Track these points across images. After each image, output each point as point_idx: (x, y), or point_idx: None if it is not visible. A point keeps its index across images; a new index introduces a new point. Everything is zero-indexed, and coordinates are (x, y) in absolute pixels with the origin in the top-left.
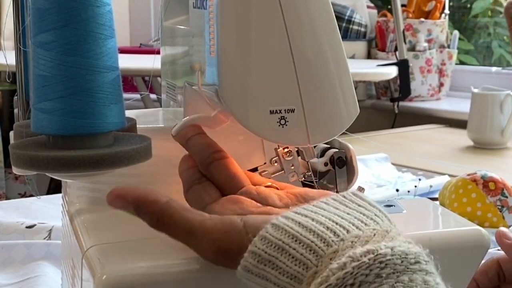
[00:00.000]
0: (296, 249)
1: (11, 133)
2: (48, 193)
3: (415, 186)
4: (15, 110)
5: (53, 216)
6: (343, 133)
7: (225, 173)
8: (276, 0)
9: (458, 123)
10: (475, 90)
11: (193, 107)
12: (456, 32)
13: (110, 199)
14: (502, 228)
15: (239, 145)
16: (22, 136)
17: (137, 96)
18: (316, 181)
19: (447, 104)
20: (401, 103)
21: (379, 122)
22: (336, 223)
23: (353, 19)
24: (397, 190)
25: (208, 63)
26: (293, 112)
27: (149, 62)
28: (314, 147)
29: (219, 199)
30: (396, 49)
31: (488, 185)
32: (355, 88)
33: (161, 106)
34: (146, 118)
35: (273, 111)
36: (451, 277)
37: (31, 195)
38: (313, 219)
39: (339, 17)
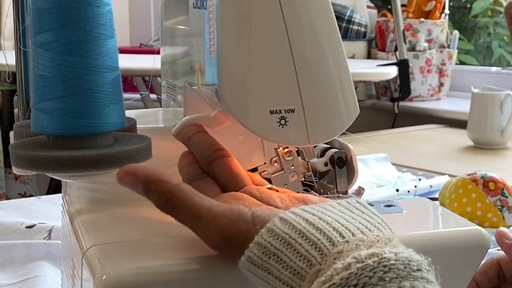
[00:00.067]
0: (302, 244)
1: (11, 133)
2: (48, 193)
3: (415, 186)
4: (15, 110)
5: (53, 216)
6: (343, 133)
7: (227, 171)
8: (276, 0)
9: (458, 123)
10: (475, 90)
11: (193, 107)
12: (456, 32)
13: (120, 175)
14: (502, 228)
15: (239, 145)
16: (22, 136)
17: (137, 96)
18: (316, 181)
19: (447, 104)
20: (401, 103)
21: (379, 122)
22: (342, 225)
23: (353, 19)
24: (397, 190)
25: (208, 63)
26: (293, 112)
27: (149, 62)
28: (314, 147)
29: (221, 195)
30: (396, 49)
31: (488, 185)
32: (355, 88)
33: (161, 106)
34: (146, 118)
35: (273, 111)
36: (451, 277)
37: (31, 195)
38: (320, 218)
39: (339, 17)
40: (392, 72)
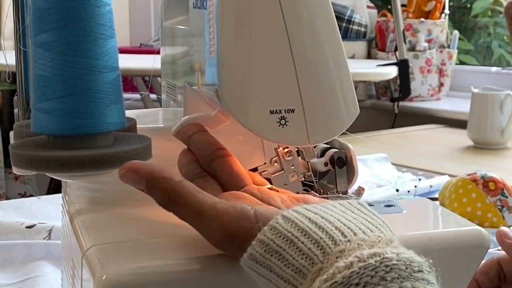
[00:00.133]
0: (304, 243)
1: (11, 133)
2: (48, 193)
3: (415, 186)
4: (15, 110)
5: (53, 216)
6: (343, 133)
7: (227, 170)
8: (276, 0)
9: (458, 123)
10: (475, 90)
11: (193, 107)
12: (456, 32)
13: (122, 172)
14: (503, 228)
15: (239, 145)
16: (22, 136)
17: (137, 96)
18: (316, 181)
19: (447, 104)
20: (401, 103)
21: (379, 122)
22: (344, 224)
23: (353, 19)
24: (397, 190)
25: (208, 63)
26: (293, 112)
27: (149, 62)
28: (314, 147)
29: (222, 194)
30: (396, 49)
31: (488, 185)
32: (355, 88)
33: (161, 106)
34: (146, 118)
35: (273, 111)
36: (451, 277)
37: (31, 195)
38: (322, 217)
39: (339, 17)
40: (392, 72)
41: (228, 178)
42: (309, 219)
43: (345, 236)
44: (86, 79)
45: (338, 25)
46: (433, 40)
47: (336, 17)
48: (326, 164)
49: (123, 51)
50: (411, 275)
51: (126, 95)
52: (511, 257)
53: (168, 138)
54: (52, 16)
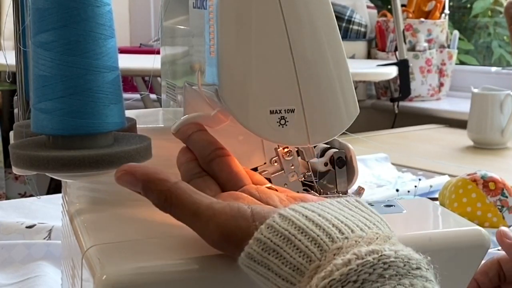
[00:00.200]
0: (301, 240)
1: (11, 133)
2: (48, 193)
3: (415, 186)
4: (15, 110)
5: (53, 216)
6: (343, 133)
7: (226, 170)
8: (276, 0)
9: (458, 123)
10: (475, 90)
11: (193, 107)
12: (456, 32)
13: (118, 175)
14: (503, 228)
15: (239, 145)
16: (22, 136)
17: (137, 96)
18: (316, 181)
19: (447, 104)
20: (401, 103)
21: (379, 122)
22: (341, 222)
23: (353, 19)
24: (397, 190)
25: (208, 63)
26: (293, 112)
27: (149, 62)
28: (314, 147)
29: (220, 194)
30: (396, 49)
31: (488, 185)
32: (355, 88)
33: (161, 106)
34: (146, 118)
35: (273, 111)
36: (451, 277)
37: (31, 195)
38: (319, 215)
39: (339, 17)
40: (392, 72)
41: (227, 178)
42: (306, 216)
43: (342, 233)
44: (86, 79)
45: (338, 25)
46: (433, 40)
47: (336, 17)
48: (326, 164)
49: (123, 51)
50: (409, 272)
51: (126, 95)
52: (511, 257)
53: (168, 138)
54: (52, 16)
